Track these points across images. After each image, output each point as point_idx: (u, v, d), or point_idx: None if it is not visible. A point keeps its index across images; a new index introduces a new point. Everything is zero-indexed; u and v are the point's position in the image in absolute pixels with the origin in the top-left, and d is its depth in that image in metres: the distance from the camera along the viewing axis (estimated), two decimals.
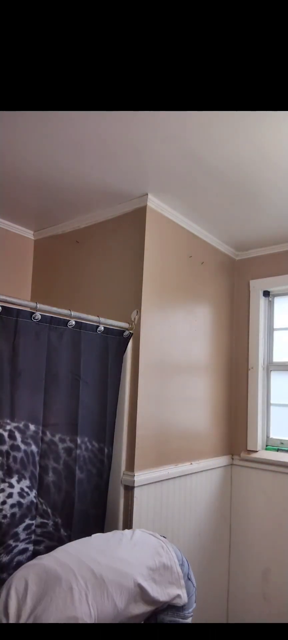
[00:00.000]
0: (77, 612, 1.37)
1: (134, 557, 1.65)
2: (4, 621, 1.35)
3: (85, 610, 1.39)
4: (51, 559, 1.57)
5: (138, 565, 1.62)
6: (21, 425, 1.79)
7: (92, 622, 1.39)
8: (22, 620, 1.34)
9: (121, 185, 2.18)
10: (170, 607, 1.66)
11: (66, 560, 1.55)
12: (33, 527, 1.82)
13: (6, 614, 1.36)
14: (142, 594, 1.57)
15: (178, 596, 1.66)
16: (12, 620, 1.34)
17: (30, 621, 1.33)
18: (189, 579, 1.75)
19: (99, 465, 2.11)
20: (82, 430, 2.03)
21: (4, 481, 1.72)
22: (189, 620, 1.72)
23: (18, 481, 1.77)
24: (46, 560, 1.57)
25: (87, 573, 1.50)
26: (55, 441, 1.93)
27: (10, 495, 1.73)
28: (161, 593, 1.61)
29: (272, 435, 2.91)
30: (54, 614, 1.33)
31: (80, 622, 1.35)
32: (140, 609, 1.56)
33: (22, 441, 1.79)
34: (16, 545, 1.75)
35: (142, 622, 1.63)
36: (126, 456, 2.19)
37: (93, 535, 1.79)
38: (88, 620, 1.37)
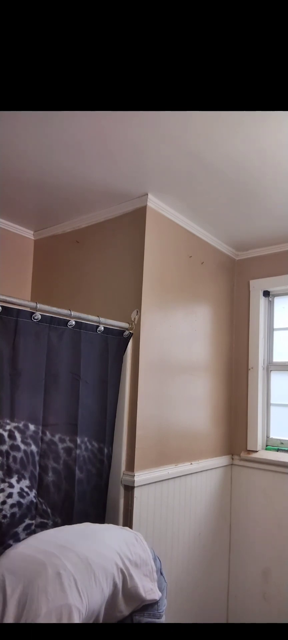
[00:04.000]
0: (69, 599, 1.27)
1: (114, 543, 1.60)
2: None
3: (76, 597, 1.30)
4: (25, 547, 1.46)
5: (118, 551, 1.57)
6: (21, 425, 1.79)
7: (84, 610, 1.31)
8: (9, 611, 1.23)
9: (121, 185, 2.18)
10: (145, 606, 1.61)
11: (44, 547, 1.45)
12: (33, 527, 1.82)
13: None
14: (124, 582, 1.52)
15: (151, 590, 1.61)
16: None
17: (19, 612, 1.22)
18: (161, 574, 1.72)
19: (99, 465, 2.11)
20: (82, 430, 2.03)
21: (3, 481, 1.72)
22: (163, 620, 1.66)
23: (18, 481, 1.77)
24: (20, 548, 1.46)
25: (72, 556, 1.41)
26: (55, 441, 1.93)
27: (10, 495, 1.73)
28: (139, 584, 1.56)
29: (272, 435, 2.91)
30: (45, 605, 1.23)
31: (74, 610, 1.26)
32: (120, 603, 1.51)
33: (22, 441, 1.79)
34: None
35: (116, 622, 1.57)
36: (126, 456, 2.19)
37: (63, 526, 1.73)
38: (81, 608, 1.29)
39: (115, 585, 1.49)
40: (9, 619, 1.23)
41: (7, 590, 1.27)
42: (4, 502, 1.71)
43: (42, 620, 1.21)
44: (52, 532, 1.61)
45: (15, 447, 1.76)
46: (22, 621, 1.22)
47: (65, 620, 1.24)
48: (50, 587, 1.28)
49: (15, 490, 1.75)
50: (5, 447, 1.73)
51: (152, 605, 1.62)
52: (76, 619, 1.26)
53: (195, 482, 2.57)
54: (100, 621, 1.44)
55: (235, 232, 2.74)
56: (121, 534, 1.70)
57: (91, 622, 1.39)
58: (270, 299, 3.02)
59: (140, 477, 2.16)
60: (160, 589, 1.67)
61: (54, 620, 1.23)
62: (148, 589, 1.61)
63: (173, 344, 2.45)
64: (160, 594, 1.65)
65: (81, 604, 1.31)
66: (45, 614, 1.22)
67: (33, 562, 1.36)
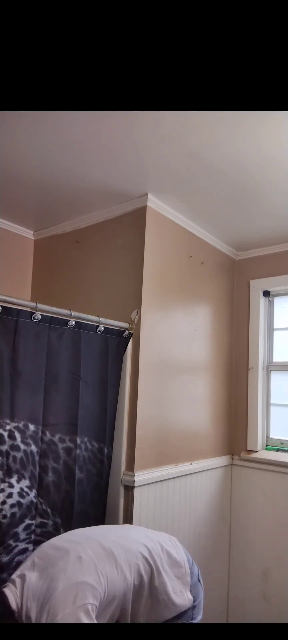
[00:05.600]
0: (86, 577, 1.36)
1: (141, 537, 1.65)
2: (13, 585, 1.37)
3: (94, 576, 1.38)
4: (56, 539, 1.59)
5: (145, 543, 1.61)
6: (21, 425, 1.79)
7: (102, 589, 1.37)
8: (28, 589, 1.34)
9: (121, 185, 2.18)
10: (179, 615, 1.60)
11: (72, 537, 1.57)
12: (33, 527, 1.82)
13: (12, 581, 1.41)
14: (151, 576, 1.54)
15: (181, 593, 1.60)
16: (18, 586, 1.37)
17: (39, 588, 1.33)
18: (199, 580, 1.71)
19: (99, 465, 2.11)
20: (82, 430, 2.03)
21: (3, 481, 1.72)
22: None
23: (18, 481, 1.77)
24: (52, 540, 1.59)
25: (95, 545, 1.50)
26: (54, 441, 1.93)
27: (10, 495, 1.73)
28: (167, 583, 1.57)
29: (272, 435, 2.91)
30: (62, 582, 1.33)
31: (89, 589, 1.33)
32: (146, 600, 1.52)
33: (22, 441, 1.79)
34: (16, 545, 1.75)
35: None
36: (126, 456, 2.19)
37: (95, 526, 1.79)
38: (97, 587, 1.36)
39: (140, 575, 1.52)
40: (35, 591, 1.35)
41: (33, 572, 1.41)
42: (4, 502, 1.71)
43: (57, 596, 1.28)
44: (82, 529, 1.71)
45: (15, 447, 1.76)
46: (43, 598, 1.31)
47: (79, 598, 1.29)
48: (69, 567, 1.38)
49: (15, 490, 1.75)
50: (5, 447, 1.73)
51: (186, 612, 1.61)
52: (90, 599, 1.31)
53: (195, 482, 2.57)
54: (129, 613, 1.48)
55: (235, 232, 2.74)
56: (153, 534, 1.74)
57: (114, 607, 1.43)
58: (270, 299, 3.02)
59: (140, 477, 2.16)
60: (197, 597, 1.67)
61: (69, 597, 1.29)
62: (178, 591, 1.60)
63: (173, 344, 2.45)
64: (191, 598, 1.64)
65: (99, 583, 1.37)
66: (60, 591, 1.30)
67: (59, 549, 1.49)
